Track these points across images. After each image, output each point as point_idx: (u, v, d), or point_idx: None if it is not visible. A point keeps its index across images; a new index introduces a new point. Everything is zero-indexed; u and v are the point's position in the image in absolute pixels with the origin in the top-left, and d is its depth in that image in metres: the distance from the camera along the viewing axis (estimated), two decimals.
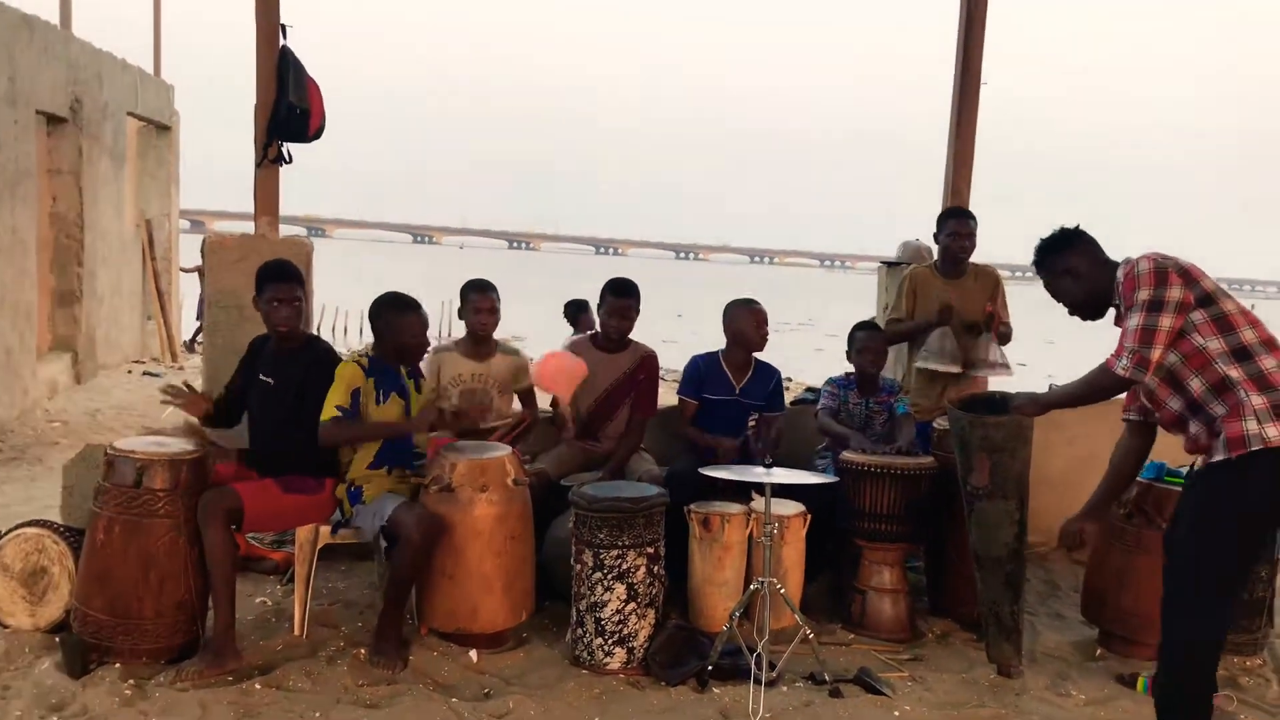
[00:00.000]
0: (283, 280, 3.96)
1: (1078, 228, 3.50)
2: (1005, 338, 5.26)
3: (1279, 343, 3.23)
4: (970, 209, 5.74)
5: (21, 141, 9.03)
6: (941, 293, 5.24)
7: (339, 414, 3.87)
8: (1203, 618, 3.19)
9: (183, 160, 14.38)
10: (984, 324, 5.19)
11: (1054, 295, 3.56)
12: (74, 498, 4.69)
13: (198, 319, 15.05)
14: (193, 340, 14.90)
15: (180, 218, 15.04)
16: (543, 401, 5.15)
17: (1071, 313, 3.56)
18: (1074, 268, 3.44)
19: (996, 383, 5.35)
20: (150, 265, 12.94)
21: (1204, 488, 3.26)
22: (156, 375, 11.76)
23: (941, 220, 5.39)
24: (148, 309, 13.18)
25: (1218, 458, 3.16)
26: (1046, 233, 3.53)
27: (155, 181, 13.60)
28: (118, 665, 3.63)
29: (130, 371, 11.93)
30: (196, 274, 14.82)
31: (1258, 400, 3.10)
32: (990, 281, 5.35)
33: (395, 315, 4.06)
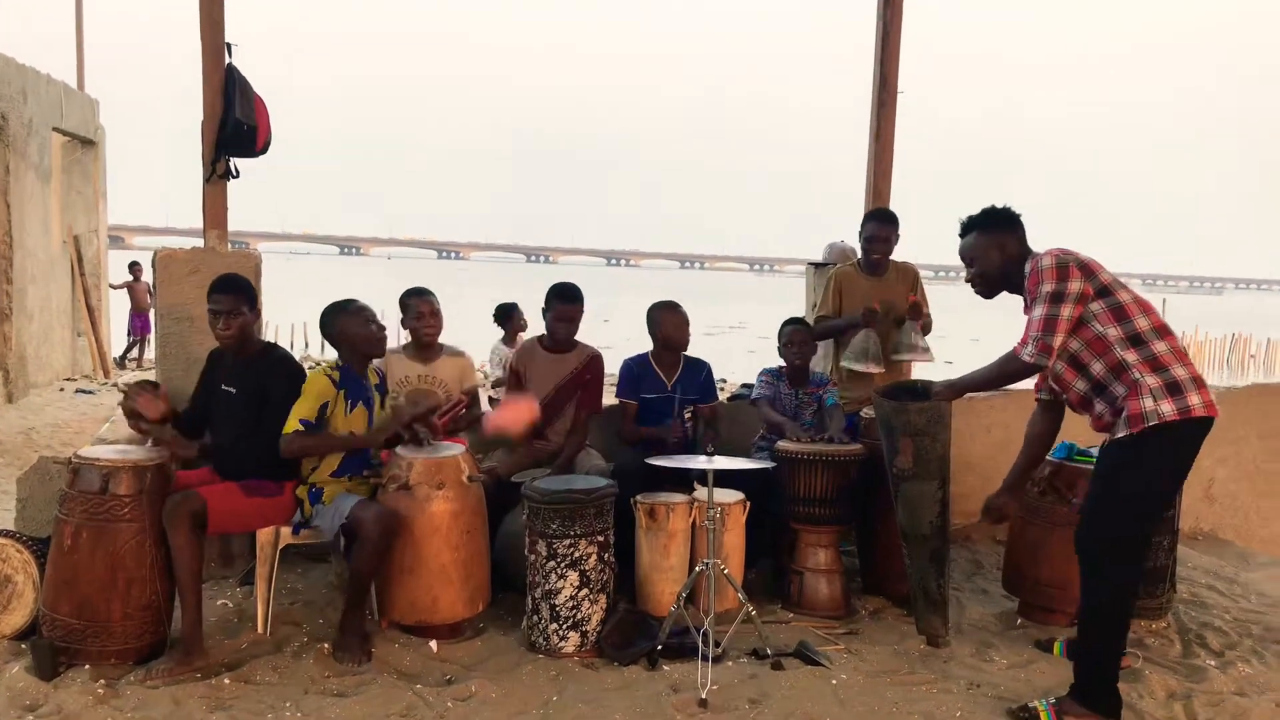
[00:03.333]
0: (215, 291, 4.12)
1: (1020, 216, 3.76)
2: (926, 328, 5.59)
3: (1170, 329, 3.58)
4: (891, 209, 6.04)
5: None
6: (866, 292, 5.53)
7: (302, 427, 4.00)
8: (1114, 583, 3.50)
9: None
10: (908, 312, 5.50)
11: (971, 259, 3.76)
12: (28, 509, 4.77)
13: (128, 335, 14.90)
14: (123, 356, 14.74)
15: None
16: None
17: (971, 279, 3.80)
18: (1006, 246, 3.71)
19: (918, 370, 5.68)
20: (80, 281, 12.80)
21: (1109, 463, 3.58)
22: (89, 393, 11.65)
23: (863, 222, 5.69)
24: (77, 326, 13.02)
25: (1120, 434, 3.48)
26: (999, 204, 3.77)
27: (81, 197, 13.43)
28: (87, 667, 3.72)
29: (62, 389, 11.79)
30: (125, 290, 14.68)
31: (1152, 380, 3.43)
32: (910, 276, 5.68)
33: (343, 317, 4.21)
